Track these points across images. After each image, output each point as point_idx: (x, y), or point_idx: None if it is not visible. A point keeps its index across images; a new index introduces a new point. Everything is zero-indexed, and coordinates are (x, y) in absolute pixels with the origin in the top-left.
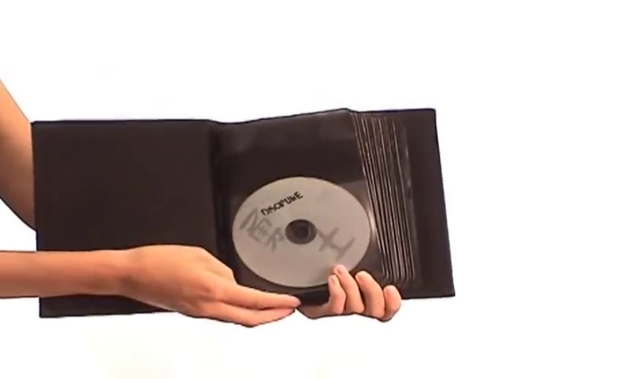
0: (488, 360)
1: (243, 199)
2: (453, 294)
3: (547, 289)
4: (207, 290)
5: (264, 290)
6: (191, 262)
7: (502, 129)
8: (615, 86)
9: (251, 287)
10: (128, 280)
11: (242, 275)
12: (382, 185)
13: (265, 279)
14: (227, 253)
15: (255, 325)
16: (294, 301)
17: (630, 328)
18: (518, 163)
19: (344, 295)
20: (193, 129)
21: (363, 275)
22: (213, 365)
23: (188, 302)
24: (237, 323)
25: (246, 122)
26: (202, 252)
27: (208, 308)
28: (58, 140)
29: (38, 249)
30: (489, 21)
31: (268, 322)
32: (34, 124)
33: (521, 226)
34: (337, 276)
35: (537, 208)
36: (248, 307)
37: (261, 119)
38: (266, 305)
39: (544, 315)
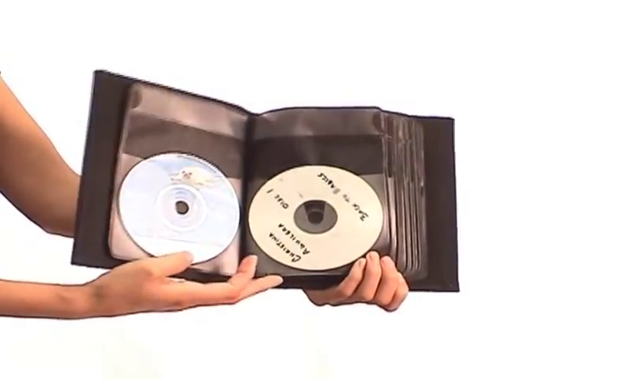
0: (490, 358)
1: (263, 183)
2: (457, 290)
3: (551, 291)
4: (177, 303)
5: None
6: (147, 285)
7: (513, 136)
8: (622, 90)
9: (261, 267)
10: (96, 315)
11: (251, 251)
12: (397, 180)
13: (273, 259)
14: (242, 231)
15: (237, 302)
16: (275, 280)
17: (633, 326)
18: (528, 169)
19: (359, 279)
20: (236, 114)
21: (387, 259)
22: (213, 364)
23: (162, 312)
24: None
25: (276, 110)
26: (145, 264)
27: (182, 310)
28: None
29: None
30: (498, 28)
31: (249, 296)
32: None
33: (529, 230)
34: (367, 261)
35: (544, 213)
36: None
37: (291, 107)
38: (238, 297)
39: (547, 316)
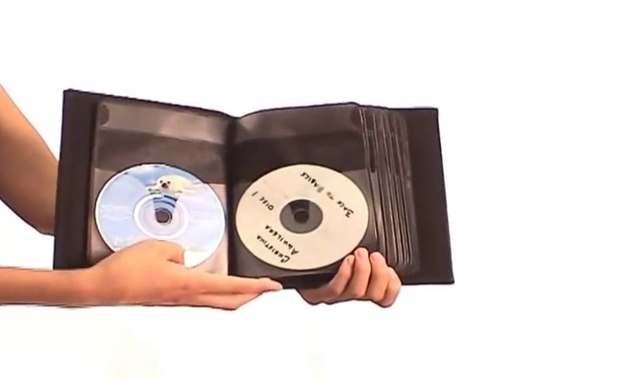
0: (487, 357)
1: (247, 186)
2: (452, 282)
3: (545, 284)
4: (185, 287)
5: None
6: (160, 264)
7: (501, 126)
8: (611, 85)
9: (250, 269)
10: (101, 299)
11: (242, 257)
12: (381, 174)
13: (263, 261)
14: (229, 235)
15: (236, 308)
16: (274, 285)
17: (631, 325)
18: (518, 158)
19: (349, 276)
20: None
21: (377, 255)
22: (213, 363)
23: (168, 301)
24: (217, 308)
25: (255, 112)
26: (157, 243)
27: (188, 301)
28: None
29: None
30: (491, 22)
31: (248, 301)
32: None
33: (521, 220)
34: (356, 258)
35: (538, 205)
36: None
37: (270, 109)
38: (244, 292)
39: (543, 309)
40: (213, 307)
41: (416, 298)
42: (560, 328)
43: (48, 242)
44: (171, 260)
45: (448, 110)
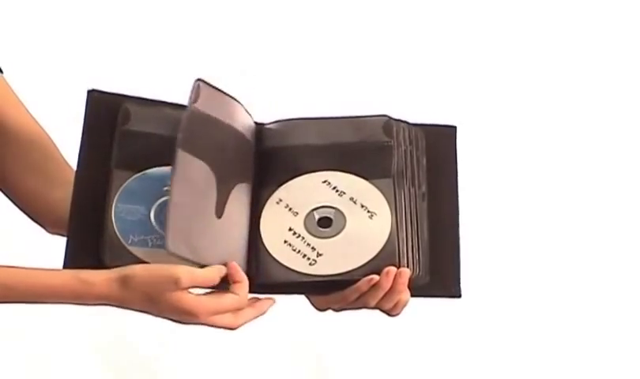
0: (490, 363)
1: (273, 191)
2: (459, 296)
3: (552, 296)
4: (190, 313)
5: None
6: (169, 291)
7: (515, 142)
8: (622, 92)
9: (272, 272)
10: (110, 301)
11: (266, 264)
12: (396, 184)
13: (288, 267)
14: (254, 241)
15: (238, 328)
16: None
17: (633, 327)
18: (531, 174)
19: (365, 290)
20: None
21: (404, 272)
22: (213, 363)
23: (173, 320)
24: (220, 328)
25: (282, 120)
26: (177, 271)
27: (193, 323)
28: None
29: None
30: (508, 37)
31: (249, 321)
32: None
33: (530, 235)
34: (382, 279)
35: (546, 218)
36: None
37: (297, 118)
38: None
39: (548, 321)
40: (216, 327)
41: (420, 304)
42: (566, 340)
43: (49, 242)
44: (185, 288)
45: (460, 124)
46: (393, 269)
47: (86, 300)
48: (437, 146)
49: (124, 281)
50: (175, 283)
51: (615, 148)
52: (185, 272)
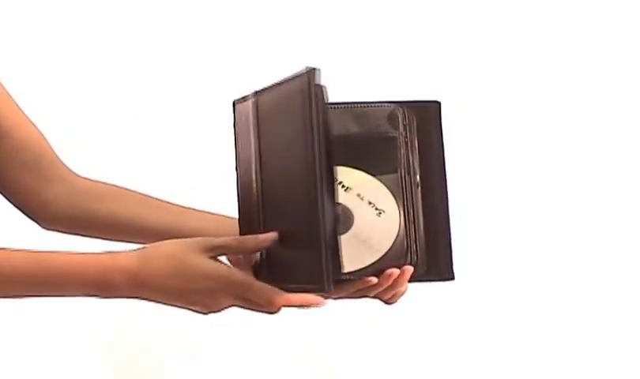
0: (490, 362)
1: None
2: (452, 278)
3: (547, 282)
4: (218, 280)
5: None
6: (195, 251)
7: (502, 123)
8: (620, 86)
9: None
10: (135, 280)
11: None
12: (404, 179)
13: None
14: None
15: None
16: (314, 300)
17: (630, 325)
18: (519, 157)
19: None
20: None
21: (408, 270)
22: (213, 363)
23: (205, 296)
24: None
25: None
26: (196, 239)
27: (226, 301)
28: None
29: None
30: (492, 18)
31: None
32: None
33: (521, 217)
34: (393, 277)
35: (539, 204)
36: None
37: None
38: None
39: (544, 308)
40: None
41: (418, 295)
42: (560, 326)
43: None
44: (205, 251)
45: (453, 108)
46: (396, 271)
47: (111, 275)
48: (425, 126)
49: (148, 249)
50: (200, 244)
51: (610, 136)
52: (202, 238)
